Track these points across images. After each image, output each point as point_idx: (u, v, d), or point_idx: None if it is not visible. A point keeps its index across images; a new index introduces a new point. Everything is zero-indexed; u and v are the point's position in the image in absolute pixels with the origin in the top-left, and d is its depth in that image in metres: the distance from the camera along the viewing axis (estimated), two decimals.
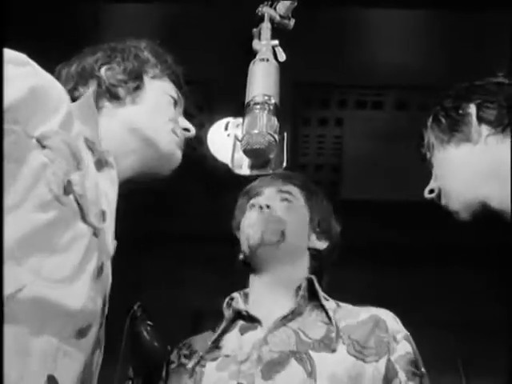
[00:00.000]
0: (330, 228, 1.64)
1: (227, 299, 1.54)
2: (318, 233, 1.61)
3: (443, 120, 1.29)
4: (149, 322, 1.64)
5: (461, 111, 1.25)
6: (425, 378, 1.36)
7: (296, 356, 1.32)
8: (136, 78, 1.23)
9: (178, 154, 1.28)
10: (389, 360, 1.33)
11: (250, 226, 1.53)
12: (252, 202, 1.60)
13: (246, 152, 1.06)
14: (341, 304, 1.52)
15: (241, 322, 1.47)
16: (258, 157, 1.07)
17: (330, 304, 1.49)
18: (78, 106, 1.09)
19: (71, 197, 0.91)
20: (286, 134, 1.08)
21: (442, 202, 1.31)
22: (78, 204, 0.92)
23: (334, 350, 1.33)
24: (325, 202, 1.67)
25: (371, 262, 3.20)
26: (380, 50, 2.72)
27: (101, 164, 1.06)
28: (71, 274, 0.89)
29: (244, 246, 1.55)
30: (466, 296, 3.09)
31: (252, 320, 1.45)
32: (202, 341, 1.49)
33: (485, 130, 1.22)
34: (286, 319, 1.42)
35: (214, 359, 1.40)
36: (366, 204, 3.20)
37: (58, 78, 1.21)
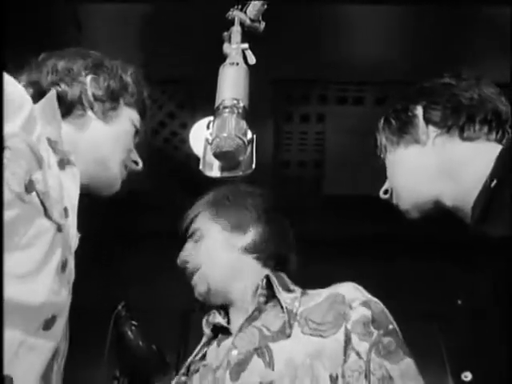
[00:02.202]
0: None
1: (205, 317, 1.57)
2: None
3: (393, 122, 1.32)
4: (133, 322, 1.66)
5: (409, 113, 1.28)
6: (392, 334, 1.33)
7: (257, 352, 1.35)
8: (113, 100, 1.27)
9: (118, 183, 1.32)
10: (346, 328, 1.31)
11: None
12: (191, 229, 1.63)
13: (216, 155, 1.08)
14: (309, 292, 1.51)
15: (220, 335, 1.51)
16: (227, 159, 1.09)
17: (291, 294, 1.48)
18: (41, 107, 1.11)
19: (34, 194, 0.94)
20: (254, 137, 1.10)
21: (394, 201, 1.35)
22: (41, 201, 0.95)
23: (288, 336, 1.34)
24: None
25: (354, 257, 3.23)
26: (360, 46, 2.73)
27: (63, 163, 1.10)
28: (35, 268, 0.92)
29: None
30: (447, 288, 3.12)
31: (225, 331, 1.49)
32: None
33: (432, 131, 1.25)
34: (249, 319, 1.45)
35: (197, 371, 1.45)
36: (348, 199, 3.22)
37: (41, 65, 1.24)
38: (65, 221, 1.02)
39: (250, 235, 1.55)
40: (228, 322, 1.52)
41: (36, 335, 0.92)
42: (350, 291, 1.42)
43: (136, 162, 1.37)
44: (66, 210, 1.04)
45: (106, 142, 1.26)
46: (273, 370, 1.29)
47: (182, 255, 1.60)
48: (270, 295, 1.49)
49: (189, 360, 1.50)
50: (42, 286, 0.93)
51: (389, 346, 1.30)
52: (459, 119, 1.22)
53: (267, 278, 1.52)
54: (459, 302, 1.07)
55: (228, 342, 1.45)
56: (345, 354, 1.29)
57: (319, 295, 1.44)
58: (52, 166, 1.02)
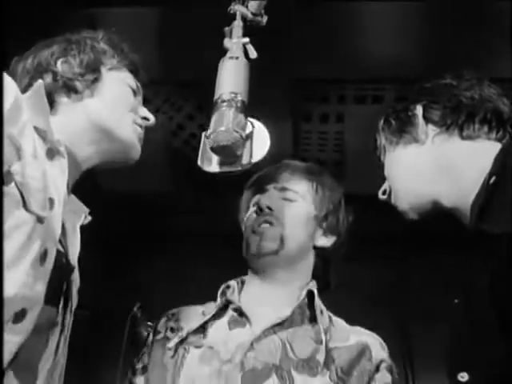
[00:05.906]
0: (337, 222, 1.59)
1: (223, 286, 1.51)
2: (324, 229, 1.55)
3: (393, 122, 1.30)
4: (149, 323, 1.65)
5: (409, 112, 1.26)
6: None
7: (278, 372, 1.30)
8: (93, 71, 1.25)
9: (138, 146, 1.29)
10: None
11: (249, 229, 1.51)
12: (255, 199, 1.57)
13: (214, 149, 1.07)
14: (333, 318, 1.49)
15: (231, 313, 1.45)
16: (225, 154, 1.08)
17: (324, 320, 1.45)
18: (29, 97, 1.11)
19: (12, 185, 0.93)
20: (253, 131, 1.09)
21: (392, 201, 1.32)
22: (20, 192, 0.94)
23: (315, 375, 1.31)
24: (335, 193, 1.63)
25: (376, 256, 3.19)
26: (379, 45, 2.71)
27: (52, 153, 1.09)
28: (10, 260, 0.92)
29: (243, 251, 1.52)
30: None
31: (242, 315, 1.43)
32: (189, 317, 1.47)
33: (431, 130, 1.23)
34: (277, 327, 1.39)
35: (198, 347, 1.38)
36: (369, 199, 3.18)
37: (14, 72, 1.22)
38: (48, 213, 1.01)
39: (333, 238, 1.59)
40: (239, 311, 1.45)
41: (4, 329, 0.91)
42: (378, 348, 1.42)
43: (146, 118, 1.33)
44: (51, 200, 1.03)
45: (104, 113, 1.24)
46: None
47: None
48: (307, 311, 1.45)
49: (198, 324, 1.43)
50: (14, 278, 0.93)
51: None
52: (459, 118, 1.21)
53: (311, 293, 1.48)
54: (456, 301, 1.04)
55: (243, 333, 1.39)
56: None
57: (346, 336, 1.42)
58: (39, 155, 1.02)
